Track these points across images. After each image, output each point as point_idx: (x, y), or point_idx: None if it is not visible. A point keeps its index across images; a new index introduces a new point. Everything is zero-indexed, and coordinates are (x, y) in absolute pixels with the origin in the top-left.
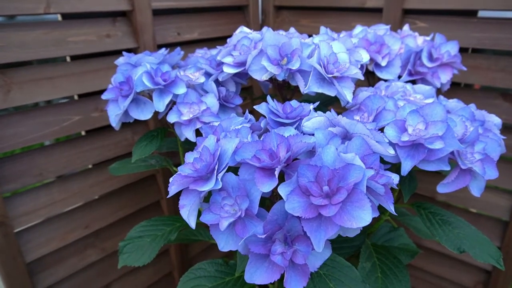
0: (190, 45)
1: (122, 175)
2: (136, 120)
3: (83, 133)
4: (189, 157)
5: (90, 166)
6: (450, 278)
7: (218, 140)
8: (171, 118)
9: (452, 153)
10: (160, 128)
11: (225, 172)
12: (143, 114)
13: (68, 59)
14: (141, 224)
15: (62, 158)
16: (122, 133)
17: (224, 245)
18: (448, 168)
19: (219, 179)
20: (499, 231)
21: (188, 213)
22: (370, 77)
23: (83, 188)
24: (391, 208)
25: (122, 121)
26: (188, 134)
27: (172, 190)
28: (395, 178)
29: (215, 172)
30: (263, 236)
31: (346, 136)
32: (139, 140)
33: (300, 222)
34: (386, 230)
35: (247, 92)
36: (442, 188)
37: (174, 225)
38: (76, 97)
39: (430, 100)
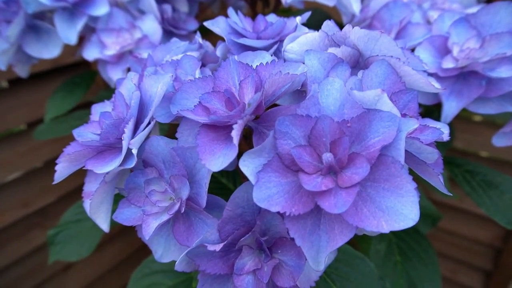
0: None
1: (64, 136)
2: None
3: (4, 84)
4: (96, 110)
5: (22, 127)
6: (464, 233)
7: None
8: (89, 53)
9: None
10: (86, 72)
11: (151, 136)
12: (48, 50)
13: None
14: (78, 204)
15: None
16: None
17: (163, 252)
18: None
19: (134, 150)
20: None
21: (90, 207)
22: None
23: (12, 157)
24: (443, 186)
25: (24, 63)
26: (116, 76)
27: (59, 171)
28: (445, 131)
29: (126, 137)
30: (219, 248)
31: (358, 64)
32: (55, 90)
33: (283, 220)
34: None
35: None
36: (502, 139)
37: None
38: None
39: (472, 10)
